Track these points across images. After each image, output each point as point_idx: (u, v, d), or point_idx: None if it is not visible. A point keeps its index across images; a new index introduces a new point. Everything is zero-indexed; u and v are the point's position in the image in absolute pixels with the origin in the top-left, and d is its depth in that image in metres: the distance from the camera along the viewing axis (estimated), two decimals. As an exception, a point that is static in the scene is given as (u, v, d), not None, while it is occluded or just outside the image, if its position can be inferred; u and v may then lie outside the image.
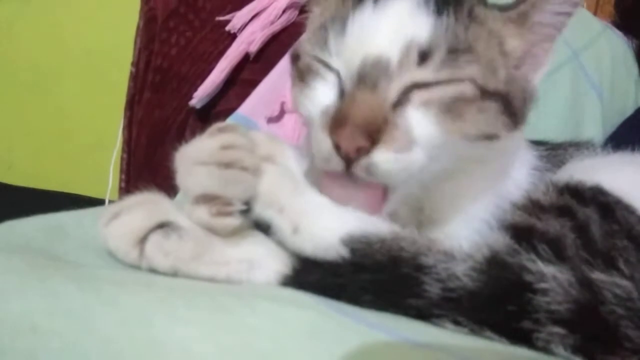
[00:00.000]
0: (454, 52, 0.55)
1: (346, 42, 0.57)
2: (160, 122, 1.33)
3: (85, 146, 2.10)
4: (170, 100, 1.33)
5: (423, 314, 0.49)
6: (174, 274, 0.52)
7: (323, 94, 0.58)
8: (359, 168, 0.53)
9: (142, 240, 0.52)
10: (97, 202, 1.68)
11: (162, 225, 0.53)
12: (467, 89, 0.56)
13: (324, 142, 0.54)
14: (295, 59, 0.64)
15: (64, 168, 2.17)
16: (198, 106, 1.29)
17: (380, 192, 0.56)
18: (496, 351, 0.47)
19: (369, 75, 0.55)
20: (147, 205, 0.55)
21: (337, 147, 0.53)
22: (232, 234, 0.53)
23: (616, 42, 1.29)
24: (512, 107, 0.59)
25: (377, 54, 0.55)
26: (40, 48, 2.08)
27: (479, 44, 0.58)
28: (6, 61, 2.10)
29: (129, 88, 1.33)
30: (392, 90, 0.55)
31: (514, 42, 0.61)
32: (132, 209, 0.54)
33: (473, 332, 0.48)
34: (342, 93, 0.57)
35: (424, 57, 0.55)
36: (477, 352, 0.46)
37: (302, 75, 0.61)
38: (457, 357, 0.45)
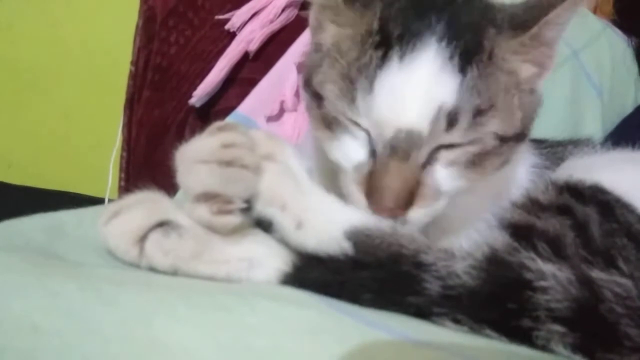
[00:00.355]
0: (479, 113, 0.55)
1: (375, 104, 0.55)
2: (159, 121, 1.33)
3: (85, 145, 2.10)
4: (169, 99, 1.33)
5: (423, 312, 0.49)
6: (174, 272, 0.52)
7: (354, 150, 0.58)
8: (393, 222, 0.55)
9: (142, 239, 0.52)
10: (96, 201, 1.68)
11: (161, 224, 0.53)
12: (490, 141, 0.56)
13: (358, 200, 0.57)
14: (314, 95, 0.61)
15: (64, 167, 2.17)
16: (197, 105, 1.29)
17: None
18: (496, 349, 0.47)
19: (402, 147, 0.55)
20: (147, 204, 0.55)
21: (371, 208, 0.56)
22: (232, 232, 0.53)
23: (616, 41, 1.29)
24: (525, 133, 0.60)
25: (409, 127, 0.54)
26: (40, 47, 2.08)
27: (499, 93, 0.57)
28: (6, 60, 2.10)
29: (129, 87, 1.33)
30: (422, 155, 0.56)
31: (527, 71, 0.60)
32: (131, 208, 0.54)
33: (473, 330, 0.48)
34: (373, 152, 0.56)
35: (451, 122, 0.54)
36: (477, 351, 0.46)
37: (328, 124, 0.59)
38: (457, 356, 0.45)
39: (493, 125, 0.56)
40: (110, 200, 1.51)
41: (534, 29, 0.58)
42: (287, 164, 0.56)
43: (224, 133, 0.54)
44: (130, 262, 0.53)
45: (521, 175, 0.68)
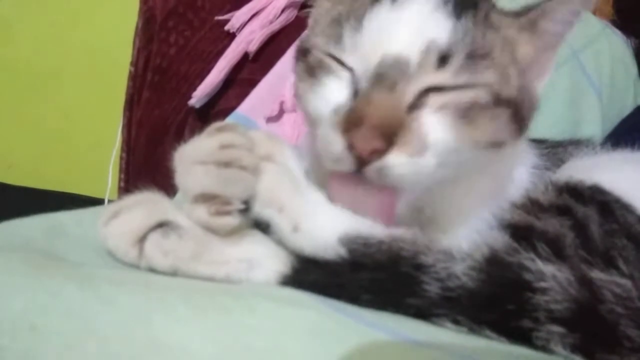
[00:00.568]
0: (473, 57, 0.55)
1: (363, 39, 0.56)
2: (159, 121, 1.33)
3: (85, 146, 2.10)
4: (169, 99, 1.33)
5: (422, 313, 0.49)
6: (173, 273, 0.52)
7: (335, 92, 0.57)
8: (371, 170, 0.53)
9: (142, 239, 0.52)
10: (96, 201, 1.68)
11: (161, 225, 0.52)
12: (483, 95, 0.55)
13: (335, 142, 0.53)
14: (303, 53, 0.62)
15: (63, 168, 2.17)
16: (197, 106, 1.29)
17: (391, 199, 0.56)
18: (495, 350, 0.47)
19: (387, 75, 0.54)
20: (147, 205, 0.55)
21: (350, 148, 0.52)
22: (231, 233, 0.52)
23: (615, 42, 1.29)
24: (521, 114, 0.59)
25: (396, 53, 0.54)
26: (40, 48, 2.08)
27: (495, 50, 0.57)
28: (5, 61, 2.10)
29: (128, 88, 1.33)
30: (410, 92, 0.54)
31: (524, 49, 0.61)
32: (131, 208, 0.54)
33: (472, 331, 0.48)
34: (356, 92, 0.55)
35: (443, 60, 0.54)
36: (477, 351, 0.46)
37: (311, 70, 0.59)
38: (456, 356, 0.45)
39: (488, 76, 0.56)
40: (110, 201, 1.51)
41: (531, 14, 0.61)
42: (286, 165, 0.55)
43: (222, 134, 0.54)
44: (130, 262, 0.53)
45: (521, 175, 0.68)
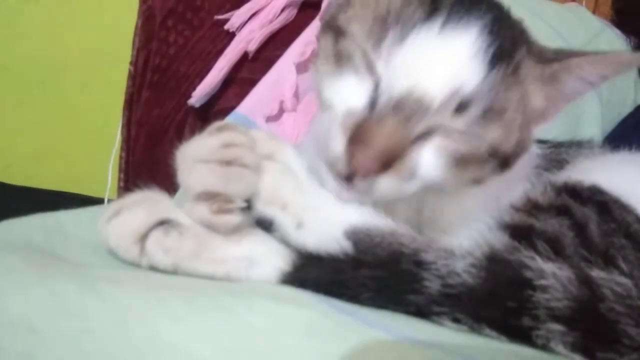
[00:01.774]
0: (489, 111, 0.54)
1: (401, 57, 0.54)
2: (159, 121, 1.33)
3: (84, 145, 2.10)
4: (169, 99, 1.33)
5: (423, 311, 0.49)
6: (174, 271, 0.52)
7: (354, 94, 0.55)
8: (359, 182, 0.53)
9: (143, 237, 0.52)
10: (96, 201, 1.67)
11: (162, 223, 0.53)
12: (484, 149, 0.55)
13: (337, 142, 0.53)
14: (335, 30, 0.59)
15: (63, 167, 2.16)
16: (197, 105, 1.29)
17: None
18: (496, 349, 0.47)
19: (408, 107, 0.53)
20: (148, 203, 0.55)
21: (349, 157, 0.52)
22: (232, 231, 0.53)
23: (615, 41, 1.30)
24: (509, 162, 0.58)
25: (424, 91, 0.53)
26: (39, 47, 2.08)
27: (511, 106, 0.56)
28: (5, 60, 2.10)
29: (128, 87, 1.33)
30: (421, 127, 0.54)
31: (537, 101, 0.60)
32: (132, 207, 0.55)
33: (472, 329, 0.48)
34: (373, 104, 0.54)
35: (463, 107, 0.53)
36: (477, 350, 0.46)
37: (339, 56, 0.57)
38: (456, 355, 0.45)
39: (495, 133, 0.55)
40: (109, 201, 1.51)
41: (555, 66, 0.59)
42: (287, 164, 0.56)
43: (224, 133, 0.54)
44: (131, 260, 0.53)
45: (523, 176, 0.68)
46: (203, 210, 0.52)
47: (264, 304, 0.46)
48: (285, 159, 0.56)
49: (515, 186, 0.65)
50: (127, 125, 1.33)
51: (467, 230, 0.60)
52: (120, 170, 1.36)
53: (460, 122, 0.54)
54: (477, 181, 0.58)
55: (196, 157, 0.53)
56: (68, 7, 2.05)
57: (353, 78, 0.56)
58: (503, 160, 0.58)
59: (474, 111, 0.54)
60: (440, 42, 0.54)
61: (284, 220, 0.54)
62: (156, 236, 0.52)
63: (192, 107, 1.30)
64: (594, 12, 1.43)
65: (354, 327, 0.46)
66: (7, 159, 2.19)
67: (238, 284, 0.51)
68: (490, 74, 0.54)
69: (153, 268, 0.52)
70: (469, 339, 0.48)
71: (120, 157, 1.35)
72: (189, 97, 1.28)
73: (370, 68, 0.55)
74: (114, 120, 1.41)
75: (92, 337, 0.42)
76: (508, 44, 0.56)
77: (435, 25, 0.54)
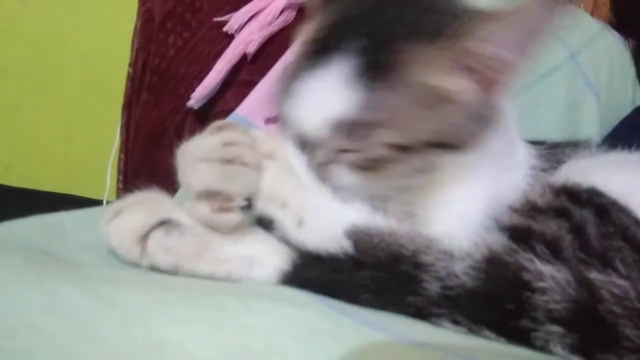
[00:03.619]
0: (372, 125, 0.55)
1: (289, 106, 0.58)
2: (157, 123, 1.33)
3: (83, 147, 2.10)
4: (167, 101, 1.33)
5: (422, 313, 0.49)
6: (175, 271, 0.52)
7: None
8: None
9: (144, 238, 0.53)
10: (95, 203, 1.67)
11: (163, 223, 0.53)
12: (382, 151, 0.56)
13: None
14: None
15: (62, 169, 2.16)
16: (196, 107, 1.29)
17: None
18: (494, 350, 0.47)
19: (308, 144, 0.57)
20: (148, 204, 0.56)
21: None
22: (232, 230, 0.53)
23: (613, 43, 1.30)
24: (451, 146, 0.58)
25: (308, 130, 0.57)
26: (38, 48, 2.08)
27: (402, 106, 0.56)
28: (3, 62, 2.10)
29: (127, 89, 1.33)
30: (324, 154, 0.57)
31: (455, 83, 0.57)
32: (133, 208, 0.55)
33: (471, 331, 0.48)
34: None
35: (345, 130, 0.55)
36: (476, 352, 0.46)
37: None
38: (456, 357, 0.45)
39: (387, 137, 0.56)
40: (108, 202, 1.51)
41: (451, 44, 0.56)
42: (288, 163, 0.56)
43: (224, 132, 0.55)
44: (132, 260, 0.53)
45: (518, 177, 0.68)
46: (204, 209, 0.52)
47: (263, 305, 0.46)
48: (285, 158, 0.56)
49: (511, 187, 0.65)
50: (126, 126, 1.33)
51: (464, 231, 0.60)
52: (119, 172, 1.36)
53: (352, 141, 0.56)
54: (421, 170, 0.58)
55: (197, 155, 0.54)
56: (67, 8, 2.05)
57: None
58: (440, 147, 0.57)
59: (359, 129, 0.55)
60: (313, 82, 0.57)
61: (284, 219, 0.54)
62: (157, 236, 0.53)
63: (191, 109, 1.30)
64: (592, 14, 1.43)
65: (354, 328, 0.46)
66: (6, 160, 2.19)
67: (238, 284, 0.51)
68: (366, 92, 0.55)
69: (154, 268, 0.52)
70: (468, 341, 0.48)
71: (119, 159, 1.35)
72: (188, 98, 1.28)
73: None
74: (113, 121, 1.41)
75: (92, 337, 0.42)
76: (384, 56, 0.56)
77: (308, 69, 0.57)
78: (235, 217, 0.52)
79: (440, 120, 0.57)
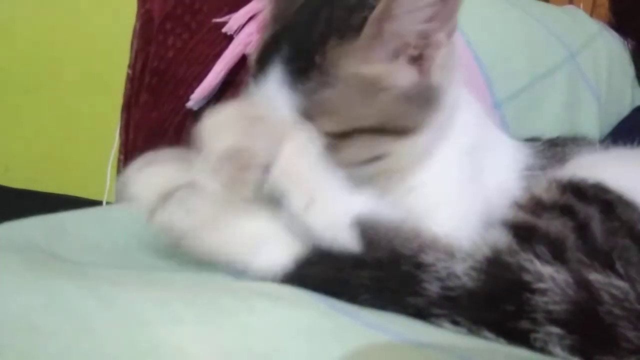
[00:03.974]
0: (310, 117, 0.60)
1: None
2: (157, 124, 1.33)
3: (83, 148, 2.10)
4: (167, 102, 1.33)
5: (422, 313, 0.49)
6: (182, 239, 0.53)
7: None
8: None
9: (167, 195, 0.53)
10: (94, 204, 1.67)
11: (189, 185, 0.53)
12: (324, 139, 0.59)
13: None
14: None
15: (61, 170, 2.17)
16: (195, 108, 1.29)
17: None
18: (494, 351, 0.47)
19: None
20: (180, 162, 0.56)
21: None
22: (251, 197, 0.54)
23: (613, 43, 1.30)
24: (390, 128, 0.61)
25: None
26: (38, 49, 2.08)
27: (331, 98, 0.60)
28: (3, 63, 2.10)
29: (126, 90, 1.33)
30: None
31: (375, 68, 0.61)
32: (166, 162, 0.56)
33: (471, 332, 0.48)
34: None
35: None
36: (476, 352, 0.47)
37: None
38: (455, 357, 0.45)
39: (323, 126, 0.59)
40: (108, 203, 1.51)
41: (366, 30, 0.59)
42: (307, 145, 0.57)
43: (247, 106, 0.60)
44: (147, 211, 0.54)
45: (509, 179, 0.68)
46: (228, 167, 0.53)
47: (263, 305, 0.46)
48: (303, 142, 0.57)
49: (502, 188, 0.65)
50: (126, 128, 1.33)
51: (464, 229, 0.61)
52: (118, 173, 1.36)
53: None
54: (377, 157, 0.62)
55: (224, 120, 0.55)
56: (66, 10, 2.05)
57: None
58: (379, 131, 0.61)
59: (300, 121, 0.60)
60: (258, 91, 0.63)
61: (295, 196, 0.54)
62: (182, 195, 0.53)
63: (190, 110, 1.30)
64: (591, 14, 1.43)
65: (354, 328, 0.46)
66: (5, 161, 2.20)
67: (238, 284, 0.52)
68: (297, 90, 0.60)
69: (165, 229, 0.53)
70: (468, 341, 0.48)
71: (119, 160, 1.35)
72: (187, 100, 1.28)
73: None
74: (112, 123, 1.41)
75: (91, 337, 0.42)
76: (305, 58, 0.61)
77: (253, 82, 0.64)
78: (257, 175, 0.53)
79: (378, 106, 0.60)
